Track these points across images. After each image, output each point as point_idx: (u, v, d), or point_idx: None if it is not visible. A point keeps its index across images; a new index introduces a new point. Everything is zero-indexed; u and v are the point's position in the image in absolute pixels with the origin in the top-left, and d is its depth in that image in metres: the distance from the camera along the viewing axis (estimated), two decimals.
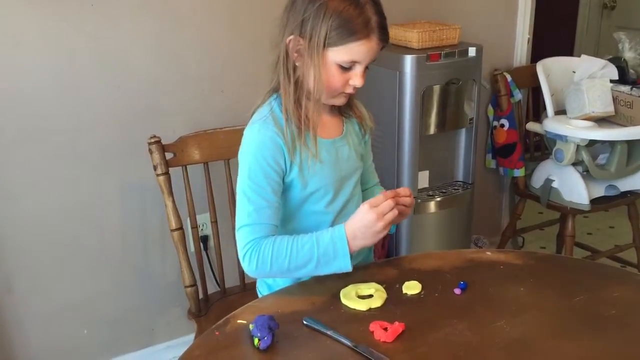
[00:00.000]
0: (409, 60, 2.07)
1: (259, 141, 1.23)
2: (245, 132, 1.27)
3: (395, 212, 1.17)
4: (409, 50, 2.11)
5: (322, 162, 1.27)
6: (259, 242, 1.20)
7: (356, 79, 1.22)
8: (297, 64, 1.23)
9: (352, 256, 1.18)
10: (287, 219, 1.32)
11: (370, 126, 1.40)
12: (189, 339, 2.00)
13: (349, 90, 1.25)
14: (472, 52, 2.19)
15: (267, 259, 1.19)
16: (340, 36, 1.16)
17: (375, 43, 1.20)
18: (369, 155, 1.47)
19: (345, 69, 1.20)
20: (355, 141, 1.38)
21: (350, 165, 1.35)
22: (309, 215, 1.32)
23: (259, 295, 1.43)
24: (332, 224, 1.33)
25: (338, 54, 1.18)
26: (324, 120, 1.30)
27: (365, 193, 1.48)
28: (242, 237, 1.22)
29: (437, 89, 2.15)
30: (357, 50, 1.18)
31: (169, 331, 2.18)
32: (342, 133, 1.34)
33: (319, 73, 1.19)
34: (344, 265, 1.17)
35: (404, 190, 1.23)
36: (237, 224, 1.24)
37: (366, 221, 1.16)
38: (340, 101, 1.28)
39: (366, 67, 1.23)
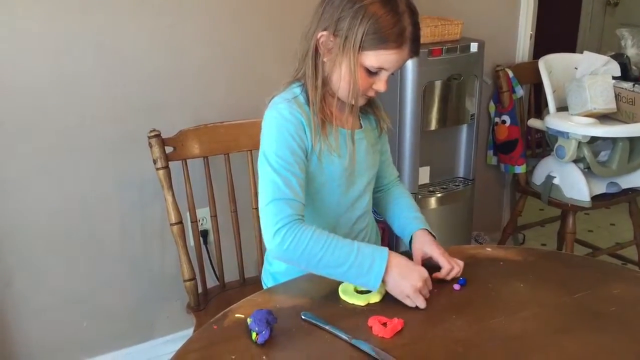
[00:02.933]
0: None
1: (283, 118, 1.22)
2: (266, 113, 1.25)
3: (422, 297, 1.14)
4: None
5: (341, 156, 1.28)
6: (296, 222, 1.15)
7: (380, 84, 1.22)
8: (324, 59, 1.22)
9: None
10: None
11: (389, 127, 1.41)
12: (188, 333, 1.99)
13: (371, 93, 1.25)
14: (474, 47, 2.19)
15: (302, 244, 1.13)
16: (374, 42, 1.16)
17: (406, 54, 1.19)
18: (386, 149, 1.47)
19: (372, 73, 1.20)
20: (372, 137, 1.38)
21: (366, 159, 1.35)
22: (320, 207, 1.32)
23: (264, 287, 1.43)
24: (340, 220, 1.34)
25: (367, 59, 1.18)
26: (344, 114, 1.30)
27: (387, 194, 1.47)
28: (275, 211, 1.15)
29: (438, 84, 2.14)
30: (386, 59, 1.18)
31: (168, 325, 2.18)
32: (361, 126, 1.35)
33: (351, 74, 1.18)
34: (373, 283, 1.13)
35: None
36: (266, 199, 1.17)
37: (412, 273, 1.14)
38: (360, 102, 1.28)
39: (392, 73, 1.23)
